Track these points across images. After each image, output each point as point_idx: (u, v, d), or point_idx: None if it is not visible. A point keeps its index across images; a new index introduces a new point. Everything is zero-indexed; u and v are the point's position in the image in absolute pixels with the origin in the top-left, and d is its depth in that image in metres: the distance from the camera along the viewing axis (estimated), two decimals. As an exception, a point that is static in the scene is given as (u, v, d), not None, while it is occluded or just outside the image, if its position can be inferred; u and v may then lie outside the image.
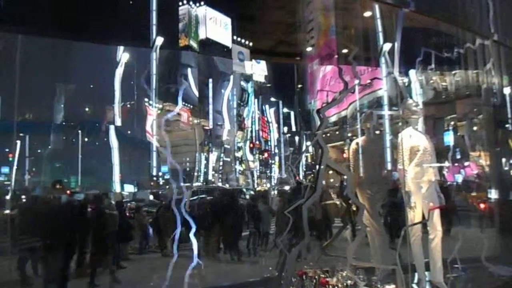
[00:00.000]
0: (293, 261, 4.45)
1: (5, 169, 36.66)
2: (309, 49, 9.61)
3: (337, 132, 22.85)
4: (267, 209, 11.04)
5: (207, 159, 36.64)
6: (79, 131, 34.48)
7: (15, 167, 32.42)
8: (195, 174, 35.91)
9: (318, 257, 5.27)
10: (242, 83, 40.03)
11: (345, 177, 4.96)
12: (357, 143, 5.75)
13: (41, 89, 36.80)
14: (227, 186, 33.52)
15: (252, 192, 19.97)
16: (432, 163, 5.23)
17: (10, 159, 34.43)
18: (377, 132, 6.20)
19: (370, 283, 4.98)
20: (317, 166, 4.75)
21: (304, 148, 39.98)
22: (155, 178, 33.58)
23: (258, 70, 37.73)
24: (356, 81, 6.09)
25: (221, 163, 37.57)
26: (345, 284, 4.61)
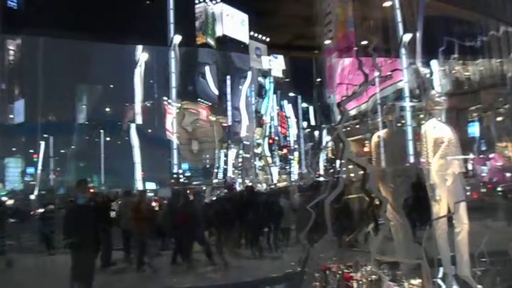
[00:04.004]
0: (316, 256, 4.41)
1: (31, 170, 37.76)
2: (327, 42, 9.52)
3: (357, 126, 22.59)
4: (287, 204, 11.00)
5: (226, 155, 36.83)
6: (101, 131, 35.07)
7: (40, 168, 33.42)
8: (215, 170, 36.15)
9: (341, 252, 5.22)
10: (260, 78, 39.97)
11: (367, 171, 4.88)
12: (379, 136, 5.65)
13: (63, 91, 37.49)
14: (247, 182, 33.60)
15: (272, 188, 19.95)
16: (456, 155, 5.10)
17: (35, 159, 35.41)
18: (399, 124, 6.09)
19: (395, 277, 4.91)
20: (338, 161, 4.70)
21: (324, 142, 39.71)
22: (175, 176, 33.94)
23: (276, 65, 37.62)
24: (377, 73, 5.99)
25: (240, 160, 37.69)
26: (369, 279, 4.55)
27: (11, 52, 47.86)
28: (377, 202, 5.07)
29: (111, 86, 37.72)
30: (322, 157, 38.08)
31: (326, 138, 36.30)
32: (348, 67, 13.10)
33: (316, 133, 43.85)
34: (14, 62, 47.55)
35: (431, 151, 5.08)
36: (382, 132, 5.72)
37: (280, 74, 39.06)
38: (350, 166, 5.01)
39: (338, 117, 4.99)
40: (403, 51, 14.68)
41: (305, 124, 44.69)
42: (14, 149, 40.25)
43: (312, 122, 45.02)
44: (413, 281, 4.83)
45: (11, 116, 40.91)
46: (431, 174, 5.03)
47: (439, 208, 5.08)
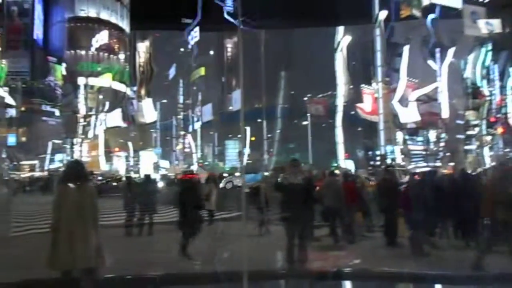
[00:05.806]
0: None
1: (246, 150, 43.62)
2: None
3: None
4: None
5: (431, 136, 34.27)
6: (307, 115, 37.10)
7: (247, 148, 38.01)
8: (422, 152, 33.97)
9: None
10: (477, 47, 34.68)
11: None
12: None
13: (273, 79, 41.31)
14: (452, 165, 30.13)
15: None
16: None
17: (250, 142, 40.39)
18: None
19: None
20: None
21: None
22: (377, 157, 33.27)
23: (497, 29, 31.97)
24: None
25: (443, 143, 34.29)
26: None
27: (229, 49, 55.64)
28: None
29: (315, 70, 39.30)
30: None
31: None
32: None
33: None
34: (231, 57, 55.10)
35: None
36: None
37: (502, 40, 33.14)
38: None
39: None
40: None
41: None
42: (230, 135, 47.53)
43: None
44: None
45: (230, 104, 48.10)
46: None
47: None
